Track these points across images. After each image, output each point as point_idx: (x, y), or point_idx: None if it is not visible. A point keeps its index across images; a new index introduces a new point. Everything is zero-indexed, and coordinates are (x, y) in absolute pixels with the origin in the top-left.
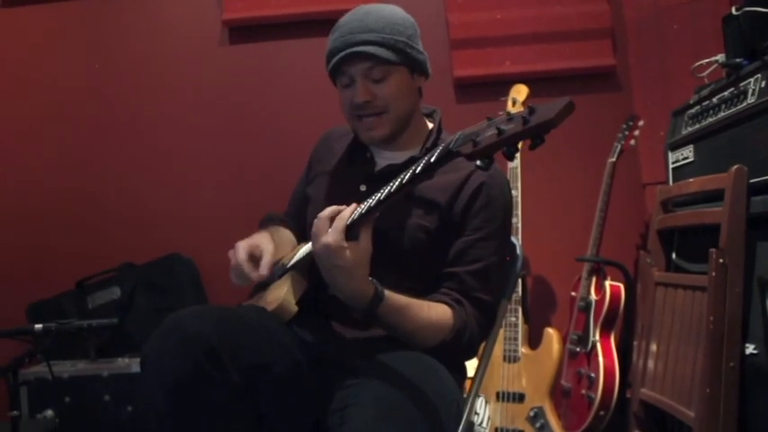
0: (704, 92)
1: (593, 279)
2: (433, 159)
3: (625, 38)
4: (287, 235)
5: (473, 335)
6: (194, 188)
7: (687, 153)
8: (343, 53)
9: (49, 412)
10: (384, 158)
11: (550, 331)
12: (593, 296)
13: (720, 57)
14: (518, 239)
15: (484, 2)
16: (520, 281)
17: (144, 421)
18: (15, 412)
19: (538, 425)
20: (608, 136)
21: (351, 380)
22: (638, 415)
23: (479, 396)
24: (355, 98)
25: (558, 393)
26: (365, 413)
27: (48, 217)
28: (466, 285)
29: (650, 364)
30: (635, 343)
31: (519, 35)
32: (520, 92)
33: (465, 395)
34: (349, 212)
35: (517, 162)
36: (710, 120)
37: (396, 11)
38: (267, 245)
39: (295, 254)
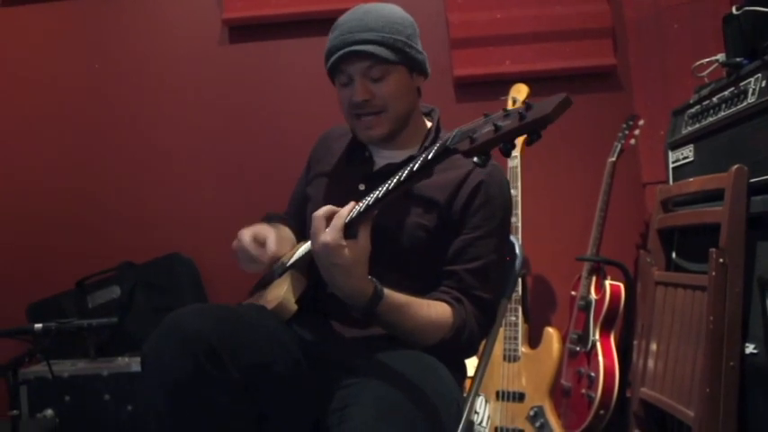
0: (704, 91)
1: (594, 278)
2: (430, 156)
3: (625, 37)
4: (287, 232)
5: (473, 333)
6: (194, 187)
7: (687, 152)
8: (341, 52)
9: (49, 411)
10: (383, 157)
11: (550, 330)
12: (593, 295)
13: (721, 56)
14: (518, 239)
15: (484, 1)
16: (520, 280)
17: (144, 420)
18: (15, 411)
19: (538, 424)
20: (608, 135)
21: (350, 379)
22: (637, 414)
23: (479, 395)
24: (354, 97)
25: (557, 393)
26: (365, 413)
27: (47, 216)
28: (465, 283)
29: (650, 363)
30: (635, 342)
31: (519, 34)
32: (520, 91)
33: (465, 394)
34: (347, 211)
35: (517, 161)
36: (711, 119)
37: (395, 10)
38: (269, 231)
39: (294, 252)
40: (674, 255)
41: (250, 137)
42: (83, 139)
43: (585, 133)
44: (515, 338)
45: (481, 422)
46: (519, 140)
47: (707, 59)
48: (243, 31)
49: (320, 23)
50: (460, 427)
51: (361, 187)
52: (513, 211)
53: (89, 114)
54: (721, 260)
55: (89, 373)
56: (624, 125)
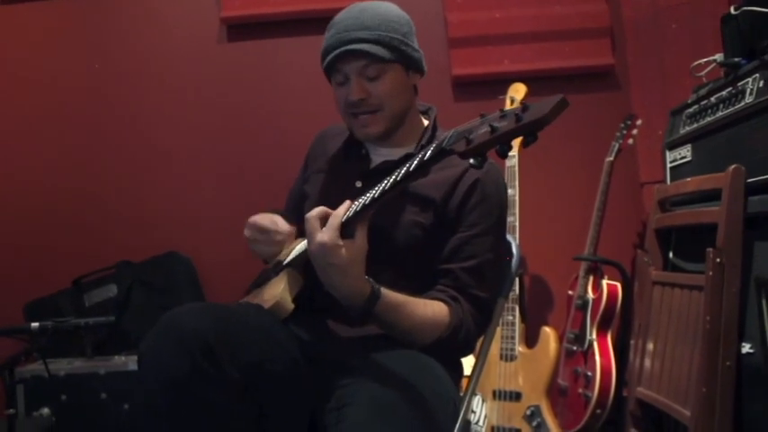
0: (702, 91)
1: (591, 278)
2: (426, 157)
3: (623, 37)
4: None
5: (469, 332)
6: (192, 186)
7: (685, 152)
8: (337, 51)
9: (46, 410)
10: (379, 155)
11: (547, 330)
12: (591, 295)
13: (719, 56)
14: (515, 238)
15: (482, 1)
16: (517, 279)
17: (141, 419)
18: (12, 410)
19: (534, 423)
20: (606, 135)
21: (347, 378)
22: (634, 414)
23: (476, 394)
24: (350, 96)
25: (554, 392)
26: (361, 412)
27: (44, 215)
28: (461, 282)
29: (647, 362)
30: (632, 342)
31: (518, 34)
32: (518, 91)
33: (461, 393)
34: (343, 210)
35: (515, 161)
36: (708, 119)
37: (391, 8)
38: (276, 216)
39: (291, 251)
40: (671, 254)
41: (248, 135)
42: (79, 137)
43: (583, 133)
44: (512, 338)
45: (478, 421)
46: (515, 142)
47: (705, 59)
48: (241, 29)
49: (318, 22)
50: (457, 426)
51: (358, 184)
52: (511, 211)
53: (85, 113)
54: (718, 260)
55: (86, 372)
56: (622, 125)
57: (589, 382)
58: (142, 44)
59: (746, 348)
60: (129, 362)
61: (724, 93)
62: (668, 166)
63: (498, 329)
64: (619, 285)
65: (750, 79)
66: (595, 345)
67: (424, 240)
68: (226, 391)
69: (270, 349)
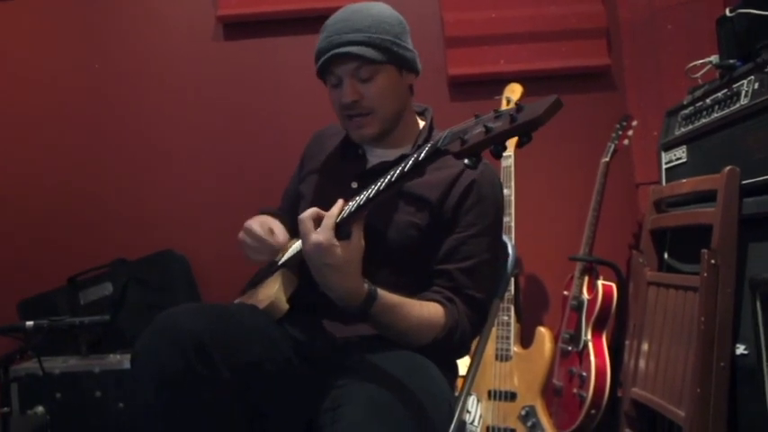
0: (698, 93)
1: (586, 278)
2: (421, 157)
3: (620, 38)
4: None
5: (465, 333)
6: (188, 184)
7: (680, 153)
8: (329, 54)
9: (40, 408)
10: (376, 156)
11: (542, 330)
12: (586, 295)
13: (714, 58)
14: (511, 238)
15: (479, 1)
16: (512, 280)
17: (135, 418)
18: (6, 408)
19: (529, 423)
20: (602, 135)
21: (342, 379)
22: (628, 414)
23: (471, 395)
24: (343, 98)
25: (549, 392)
26: (357, 412)
27: (39, 213)
28: (457, 283)
29: (641, 363)
30: (626, 342)
31: (514, 34)
32: (514, 91)
33: (456, 394)
34: (337, 210)
35: (510, 161)
36: (704, 121)
37: (383, 9)
38: (274, 221)
39: (286, 251)
40: (666, 255)
41: (244, 133)
42: (75, 136)
43: (579, 133)
44: (507, 338)
45: (473, 421)
46: (510, 142)
47: (701, 61)
48: (237, 27)
49: (315, 20)
50: (452, 426)
51: (354, 185)
52: (507, 211)
53: (81, 110)
54: (713, 261)
55: (80, 370)
56: (618, 125)
57: (584, 382)
58: (137, 41)
59: (741, 349)
60: (124, 360)
61: (719, 94)
62: (663, 167)
63: (493, 330)
64: (614, 286)
65: (745, 81)
66: (590, 345)
67: (419, 241)
68: (220, 391)
69: (263, 350)
